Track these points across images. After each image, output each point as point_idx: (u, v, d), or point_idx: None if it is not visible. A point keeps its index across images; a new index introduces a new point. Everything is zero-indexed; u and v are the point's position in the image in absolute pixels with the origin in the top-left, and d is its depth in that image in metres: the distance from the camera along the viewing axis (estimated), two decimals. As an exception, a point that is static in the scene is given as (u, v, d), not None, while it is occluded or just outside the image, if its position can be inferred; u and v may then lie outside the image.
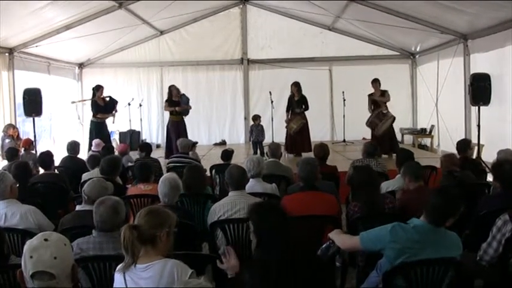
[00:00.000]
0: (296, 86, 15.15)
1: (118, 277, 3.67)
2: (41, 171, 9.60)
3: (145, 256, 3.63)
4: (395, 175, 7.45)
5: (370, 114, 14.45)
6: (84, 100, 17.50)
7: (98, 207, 4.63)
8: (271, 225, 3.78)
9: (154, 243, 3.67)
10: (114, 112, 15.23)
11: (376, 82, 14.59)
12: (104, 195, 5.46)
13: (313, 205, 5.98)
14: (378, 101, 14.37)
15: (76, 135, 18.36)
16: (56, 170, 9.47)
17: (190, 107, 15.36)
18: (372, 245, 4.39)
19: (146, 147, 11.02)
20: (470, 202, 6.19)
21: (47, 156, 9.05)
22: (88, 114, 16.35)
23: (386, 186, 7.19)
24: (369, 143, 9.82)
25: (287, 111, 15.35)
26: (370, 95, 14.67)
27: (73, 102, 17.97)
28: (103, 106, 14.94)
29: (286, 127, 15.20)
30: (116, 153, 12.12)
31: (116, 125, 15.86)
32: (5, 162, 10.47)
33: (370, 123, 14.36)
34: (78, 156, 10.75)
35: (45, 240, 2.75)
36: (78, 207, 5.82)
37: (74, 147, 10.60)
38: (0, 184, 5.89)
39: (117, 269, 3.70)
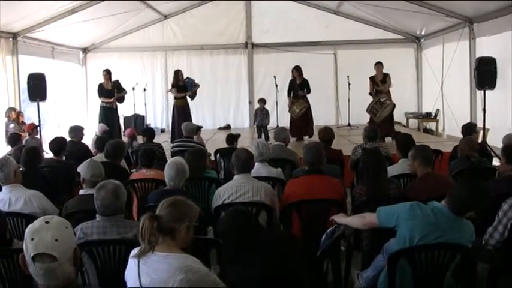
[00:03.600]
0: (297, 69, 15.12)
1: (132, 262, 3.64)
2: (46, 156, 9.61)
3: (165, 245, 3.59)
4: (397, 160, 7.42)
5: (371, 100, 14.39)
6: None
7: (99, 192, 4.62)
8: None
9: (173, 235, 3.63)
10: (117, 95, 15.12)
11: (379, 65, 14.53)
12: (97, 175, 5.48)
13: (318, 189, 5.99)
14: (381, 88, 14.31)
15: (81, 120, 18.40)
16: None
17: (198, 86, 15.42)
18: (388, 220, 4.39)
19: (149, 133, 10.97)
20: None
21: (60, 142, 9.00)
22: (94, 99, 16.33)
23: (390, 171, 7.16)
24: (369, 127, 9.74)
25: (288, 95, 15.35)
26: (371, 78, 14.61)
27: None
28: (108, 90, 14.88)
29: (289, 111, 15.18)
30: (125, 138, 12.12)
31: (120, 110, 15.80)
32: (9, 148, 10.46)
33: (370, 110, 14.31)
34: (82, 141, 10.71)
35: (46, 222, 2.74)
36: (81, 192, 5.82)
37: (75, 131, 10.52)
38: (4, 169, 5.91)
39: (131, 254, 3.67)
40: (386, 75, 14.45)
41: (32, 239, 2.68)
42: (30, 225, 2.76)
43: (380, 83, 14.39)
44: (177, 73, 15.19)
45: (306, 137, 14.55)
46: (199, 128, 11.83)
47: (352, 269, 5.76)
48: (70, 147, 9.75)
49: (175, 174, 5.95)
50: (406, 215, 4.21)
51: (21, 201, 5.83)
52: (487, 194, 4.31)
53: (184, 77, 15.22)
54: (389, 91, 14.48)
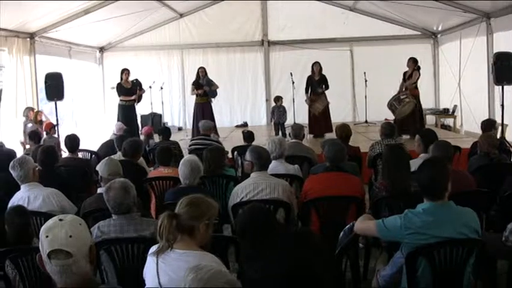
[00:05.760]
0: (317, 65, 15.15)
1: (150, 260, 3.65)
2: (64, 154, 9.65)
3: (183, 243, 3.60)
4: (415, 156, 7.37)
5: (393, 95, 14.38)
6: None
7: (108, 193, 4.64)
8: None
9: (192, 233, 3.64)
10: (139, 92, 15.21)
11: (409, 60, 14.61)
12: (115, 173, 5.51)
13: (337, 186, 5.99)
14: (406, 84, 14.31)
15: (99, 118, 18.50)
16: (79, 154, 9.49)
17: (216, 86, 15.45)
18: (388, 234, 4.34)
19: (165, 131, 11.05)
20: (500, 183, 6.16)
21: (74, 140, 9.08)
22: (112, 98, 16.43)
23: (412, 165, 7.11)
24: (386, 123, 9.69)
25: (306, 91, 15.35)
26: (405, 73, 14.64)
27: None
28: (128, 89, 14.95)
29: (310, 108, 15.16)
30: (142, 136, 12.17)
31: (137, 108, 15.85)
32: (27, 147, 10.51)
33: (390, 106, 14.27)
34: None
35: (60, 220, 2.76)
36: (99, 190, 5.85)
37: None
38: (23, 167, 6.01)
39: (150, 251, 3.68)
40: (414, 70, 14.43)
41: (47, 237, 2.69)
42: (45, 224, 2.78)
43: (407, 79, 14.41)
44: (198, 70, 15.31)
45: (326, 134, 14.48)
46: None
47: (371, 265, 5.75)
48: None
49: (190, 172, 5.97)
50: (403, 226, 4.16)
51: (39, 199, 5.89)
52: (441, 161, 4.44)
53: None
54: (417, 88, 14.47)
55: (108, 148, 10.00)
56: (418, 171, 4.36)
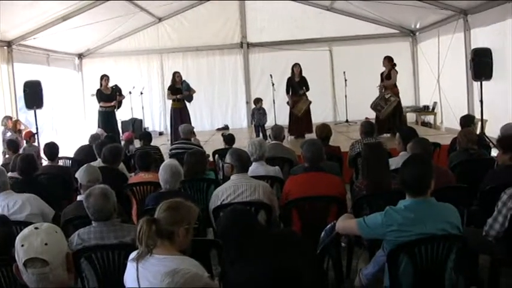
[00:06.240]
0: (297, 66, 15.20)
1: (130, 266, 3.63)
2: (44, 162, 9.60)
3: (163, 248, 3.59)
4: (397, 154, 7.39)
5: (376, 96, 14.44)
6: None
7: (88, 200, 4.61)
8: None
9: (171, 238, 3.63)
10: (119, 98, 15.19)
11: (384, 59, 14.67)
12: (94, 180, 5.50)
13: (318, 186, 6.00)
14: (385, 84, 14.38)
15: (79, 126, 18.42)
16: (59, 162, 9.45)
17: (193, 91, 15.36)
18: (370, 232, 4.34)
19: (145, 136, 11.05)
20: (480, 178, 6.20)
21: (53, 147, 9.05)
22: (92, 105, 16.38)
23: (391, 164, 7.13)
24: (366, 122, 9.72)
25: (287, 93, 15.35)
26: (382, 74, 14.74)
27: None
28: (108, 95, 14.91)
29: (292, 109, 15.19)
30: (122, 142, 12.14)
31: (118, 114, 15.80)
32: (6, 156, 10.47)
33: (374, 107, 14.33)
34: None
35: (36, 228, 2.77)
36: (79, 197, 5.83)
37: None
38: (1, 177, 6.06)
39: (130, 257, 3.66)
40: (391, 69, 14.49)
41: (22, 245, 2.70)
42: (20, 233, 2.77)
43: (385, 79, 14.45)
44: (174, 75, 15.26)
45: (307, 135, 14.50)
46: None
47: (353, 264, 5.76)
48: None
49: (170, 176, 5.96)
50: (384, 223, 4.17)
51: (18, 203, 5.95)
52: (425, 159, 4.54)
53: (182, 80, 15.22)
54: (396, 86, 14.55)
55: (85, 152, 9.96)
56: (402, 168, 4.38)
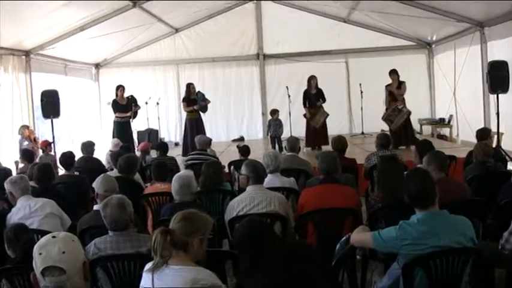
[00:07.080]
0: (314, 79, 15.16)
1: (146, 276, 3.63)
2: (61, 172, 9.66)
3: (178, 259, 3.59)
4: (413, 166, 7.38)
5: (386, 108, 14.42)
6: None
7: (105, 210, 4.63)
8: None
9: (186, 249, 3.63)
10: (135, 108, 15.27)
11: (393, 73, 14.58)
12: (111, 190, 5.53)
13: (333, 198, 5.99)
14: (395, 94, 14.35)
15: (95, 135, 18.48)
16: (75, 172, 9.51)
17: (208, 101, 15.39)
18: (385, 245, 4.34)
19: (162, 147, 11.07)
20: (496, 192, 6.17)
21: (69, 157, 9.12)
22: (108, 115, 16.48)
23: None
24: (382, 134, 9.74)
25: (305, 106, 15.34)
26: (387, 86, 14.63)
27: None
28: (123, 105, 14.99)
29: (310, 121, 15.16)
30: (138, 152, 12.17)
31: (134, 124, 15.87)
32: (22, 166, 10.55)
33: (386, 118, 14.32)
34: (95, 155, 10.87)
35: (53, 237, 2.79)
36: (95, 207, 5.85)
37: (86, 147, 10.72)
38: (22, 182, 6.35)
39: (145, 268, 3.66)
40: (401, 83, 14.47)
41: (40, 254, 2.72)
42: (38, 242, 2.80)
43: (396, 89, 14.39)
44: (189, 86, 15.29)
45: (323, 146, 14.47)
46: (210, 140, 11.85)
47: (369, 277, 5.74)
48: (83, 163, 9.82)
49: (179, 187, 5.99)
50: (399, 237, 4.17)
51: (39, 204, 6.17)
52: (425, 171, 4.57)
53: (196, 91, 15.25)
54: (403, 98, 14.47)
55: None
56: (405, 184, 4.39)
